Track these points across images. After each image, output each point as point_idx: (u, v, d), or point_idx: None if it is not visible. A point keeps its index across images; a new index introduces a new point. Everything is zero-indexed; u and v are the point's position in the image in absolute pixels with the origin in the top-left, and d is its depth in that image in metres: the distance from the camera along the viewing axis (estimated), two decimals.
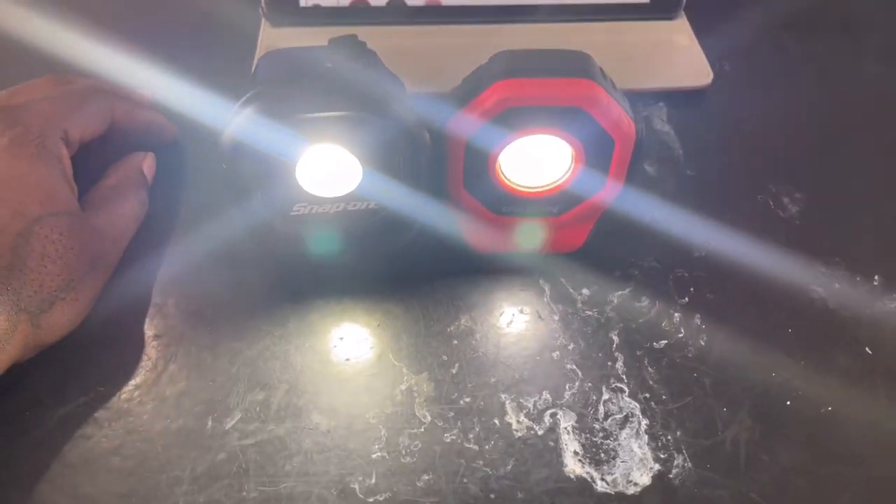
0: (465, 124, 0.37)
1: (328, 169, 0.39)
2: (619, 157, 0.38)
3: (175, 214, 0.47)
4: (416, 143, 0.38)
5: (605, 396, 0.40)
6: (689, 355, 0.42)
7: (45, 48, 0.51)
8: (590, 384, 0.40)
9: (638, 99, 0.56)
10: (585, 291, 0.44)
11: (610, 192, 0.40)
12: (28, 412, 0.38)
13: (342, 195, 0.40)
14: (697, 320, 0.43)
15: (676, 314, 0.43)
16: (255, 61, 0.54)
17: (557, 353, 0.42)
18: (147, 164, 0.46)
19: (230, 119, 0.36)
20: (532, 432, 0.38)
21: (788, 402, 0.40)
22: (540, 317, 0.43)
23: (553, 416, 0.39)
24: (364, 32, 0.56)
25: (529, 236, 0.43)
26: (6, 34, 0.53)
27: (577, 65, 0.36)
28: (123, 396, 0.39)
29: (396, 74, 0.39)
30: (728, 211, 0.48)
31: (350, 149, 0.38)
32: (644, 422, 0.39)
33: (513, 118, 0.37)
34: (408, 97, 0.38)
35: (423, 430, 0.38)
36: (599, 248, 0.45)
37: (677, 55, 0.58)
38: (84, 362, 0.40)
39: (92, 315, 0.39)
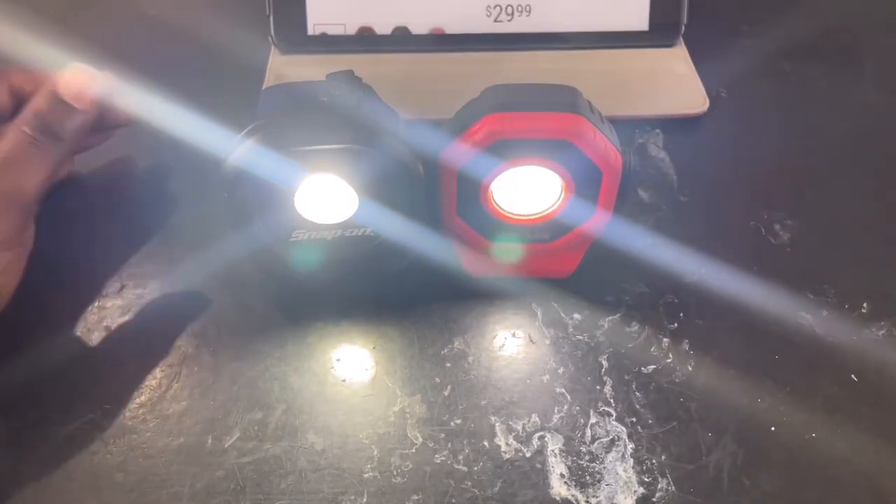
0: (458, 154, 0.38)
1: (325, 197, 0.41)
2: (607, 187, 0.40)
3: (178, 238, 0.49)
4: (409, 174, 0.39)
5: (593, 420, 0.41)
6: (677, 380, 0.42)
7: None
8: (578, 408, 0.41)
9: (634, 125, 0.57)
10: (577, 316, 0.45)
11: (599, 221, 0.42)
12: (36, 429, 0.40)
13: (339, 222, 0.42)
14: (686, 346, 0.44)
15: (665, 339, 0.44)
16: (264, 85, 0.57)
17: (547, 376, 0.43)
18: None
19: (232, 149, 0.38)
20: (520, 454, 0.39)
21: (773, 428, 0.40)
22: (531, 340, 0.44)
23: (541, 438, 0.40)
24: (369, 60, 0.59)
25: (507, 253, 0.44)
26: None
27: (564, 98, 0.38)
28: (128, 415, 0.41)
29: (391, 107, 0.40)
30: (720, 237, 0.49)
31: (346, 179, 0.39)
32: (630, 445, 0.40)
33: (503, 149, 0.38)
34: (403, 129, 0.40)
35: (414, 450, 0.40)
36: (591, 272, 0.46)
37: (675, 83, 0.59)
38: (91, 381, 0.42)
39: (100, 337, 0.41)
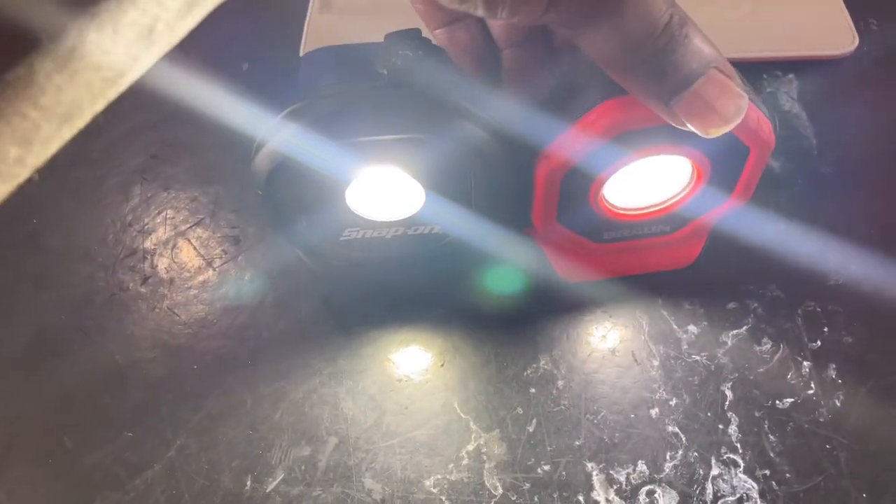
0: (568, 150, 0.29)
1: (383, 191, 0.32)
2: (755, 166, 0.30)
3: (216, 230, 0.41)
4: (488, 165, 0.30)
5: (715, 471, 0.33)
6: (821, 420, 0.34)
7: None
8: (696, 454, 0.33)
9: (760, 69, 0.46)
10: (692, 329, 0.37)
11: (735, 205, 0.32)
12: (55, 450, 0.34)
13: (400, 219, 0.34)
14: (832, 372, 0.35)
15: (806, 363, 0.35)
16: (303, 45, 0.47)
17: (656, 409, 0.35)
18: None
19: (269, 133, 0.29)
20: None
21: None
22: (636, 360, 0.36)
23: (650, 494, 0.32)
24: None
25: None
26: None
27: None
28: (151, 444, 0.34)
29: (469, 77, 0.31)
30: (875, 222, 0.39)
31: (410, 172, 0.31)
32: None
33: (629, 140, 0.28)
34: (484, 107, 0.30)
35: None
36: (710, 271, 0.37)
37: (813, 14, 0.47)
38: (116, 401, 0.35)
39: (123, 351, 0.35)
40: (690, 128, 0.24)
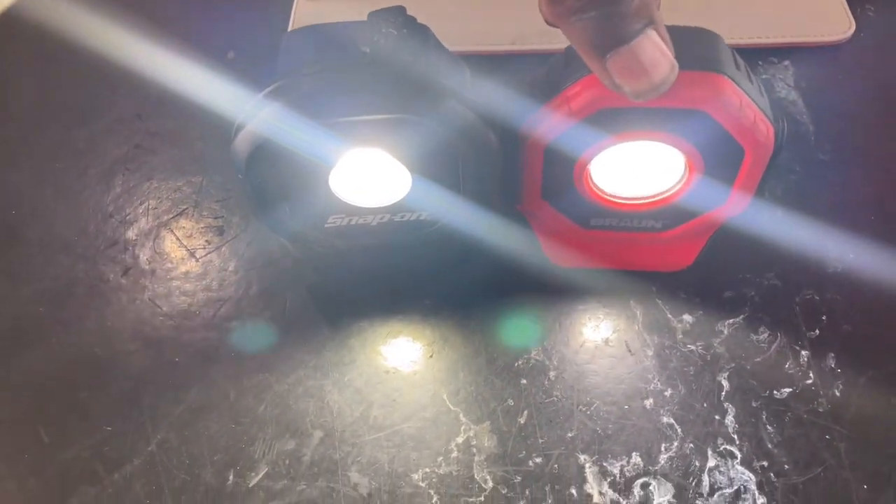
0: (548, 125, 0.28)
1: (368, 176, 0.31)
2: (751, 167, 0.29)
3: (199, 220, 0.40)
4: (477, 147, 0.29)
5: (711, 463, 0.32)
6: (821, 410, 0.33)
7: None
8: (691, 445, 0.32)
9: (756, 55, 0.45)
10: (687, 318, 0.36)
11: (733, 207, 0.31)
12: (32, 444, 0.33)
13: (386, 205, 0.33)
14: (831, 361, 0.34)
15: (804, 352, 0.34)
16: (291, 26, 0.46)
17: (651, 400, 0.34)
18: None
19: (248, 114, 0.29)
20: None
21: None
22: (630, 350, 0.35)
23: (645, 486, 0.32)
24: None
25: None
26: None
27: (699, 48, 0.27)
28: (131, 439, 0.33)
29: (456, 57, 0.30)
30: (874, 209, 0.38)
31: (396, 154, 0.30)
32: (760, 500, 0.31)
33: (609, 119, 0.28)
34: (471, 87, 0.29)
35: (483, 498, 0.32)
36: (706, 260, 0.36)
37: (810, 0, 0.46)
38: (92, 396, 0.34)
39: (103, 343, 0.34)
40: (623, 89, 0.24)
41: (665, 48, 0.23)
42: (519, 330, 0.36)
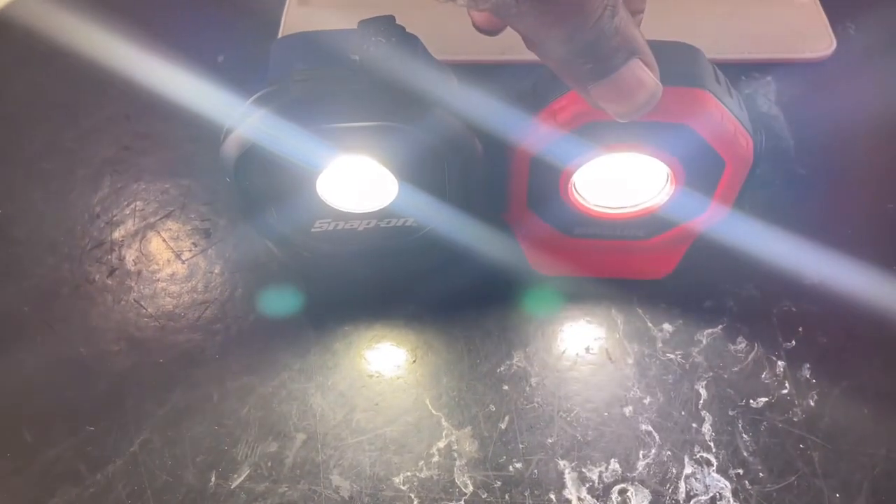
0: (534, 136, 0.29)
1: (355, 181, 0.32)
2: (730, 179, 0.30)
3: (186, 222, 0.40)
4: (463, 155, 0.30)
5: (688, 470, 0.32)
6: (795, 419, 0.34)
7: None
8: (669, 452, 0.33)
9: (739, 71, 0.46)
10: (667, 327, 0.36)
11: (712, 217, 0.32)
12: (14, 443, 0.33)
13: (373, 211, 0.33)
14: (806, 371, 0.35)
15: (780, 363, 0.35)
16: (281, 34, 0.47)
17: (630, 408, 0.34)
18: None
19: (238, 118, 0.29)
20: None
21: None
22: (610, 358, 0.36)
23: (622, 493, 0.32)
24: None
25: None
26: None
27: (681, 64, 0.27)
28: (114, 439, 0.33)
29: (444, 66, 0.30)
30: (849, 224, 0.39)
31: (383, 161, 0.30)
32: None
33: (593, 132, 0.28)
34: (458, 96, 0.30)
35: (463, 502, 0.32)
36: (687, 270, 0.37)
37: (792, 17, 0.47)
38: (78, 396, 0.34)
39: (88, 343, 0.34)
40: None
41: (649, 74, 0.24)
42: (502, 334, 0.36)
